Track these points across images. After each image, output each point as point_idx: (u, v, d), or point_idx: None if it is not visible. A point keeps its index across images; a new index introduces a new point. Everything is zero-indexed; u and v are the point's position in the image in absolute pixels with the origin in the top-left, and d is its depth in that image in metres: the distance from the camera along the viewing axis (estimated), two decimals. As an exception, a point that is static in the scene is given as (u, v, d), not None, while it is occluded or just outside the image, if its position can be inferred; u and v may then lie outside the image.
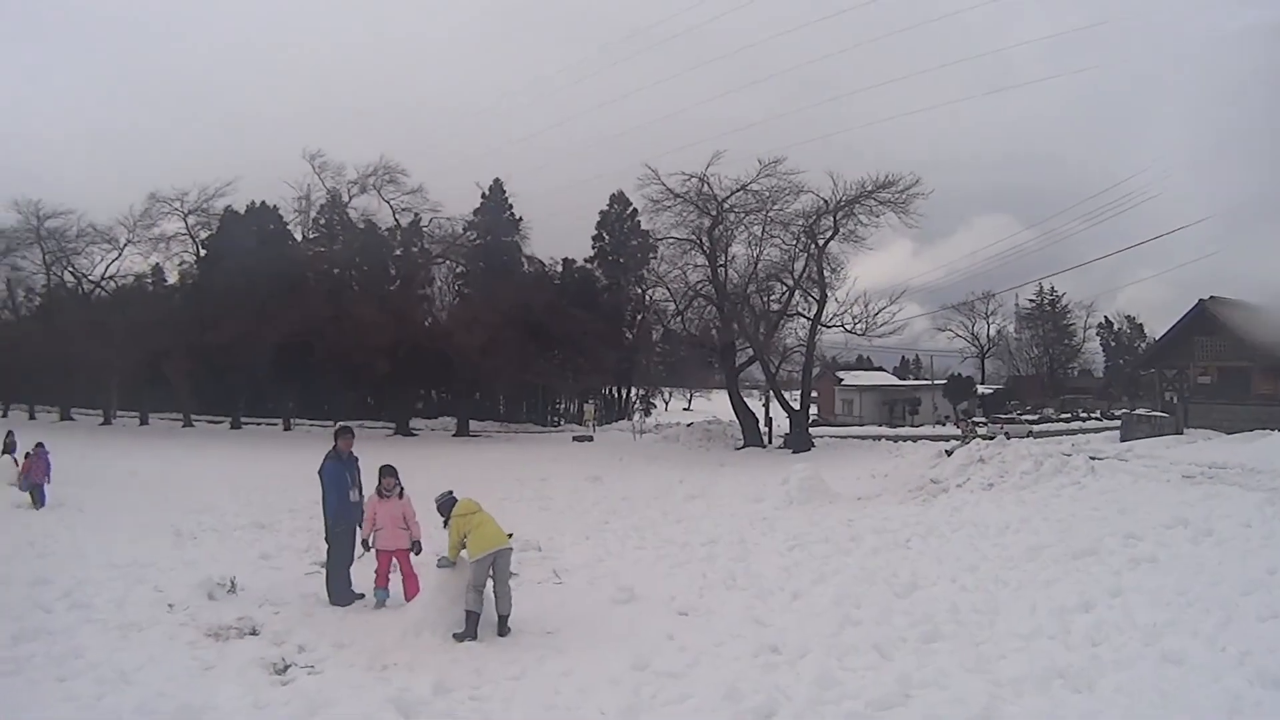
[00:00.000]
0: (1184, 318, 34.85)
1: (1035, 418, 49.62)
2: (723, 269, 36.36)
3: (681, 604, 9.33)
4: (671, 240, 36.97)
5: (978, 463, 17.79)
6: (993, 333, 70.22)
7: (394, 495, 9.29)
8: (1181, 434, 30.03)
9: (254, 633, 7.97)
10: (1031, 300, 69.87)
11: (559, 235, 79.72)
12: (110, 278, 47.95)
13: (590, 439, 39.78)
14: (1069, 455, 18.49)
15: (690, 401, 70.38)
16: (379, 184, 43.90)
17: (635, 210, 43.74)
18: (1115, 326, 73.34)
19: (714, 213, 35.16)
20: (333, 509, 9.49)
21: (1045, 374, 69.61)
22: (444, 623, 7.91)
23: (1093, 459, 18.23)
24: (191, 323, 41.77)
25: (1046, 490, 15.77)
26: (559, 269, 51.95)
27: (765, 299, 36.62)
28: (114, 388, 46.28)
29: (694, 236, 36.05)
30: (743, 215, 35.36)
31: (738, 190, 34.76)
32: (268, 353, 40.69)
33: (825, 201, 33.99)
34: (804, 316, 36.25)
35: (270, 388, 46.41)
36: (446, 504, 8.40)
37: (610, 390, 57.83)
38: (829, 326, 34.90)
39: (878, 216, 34.23)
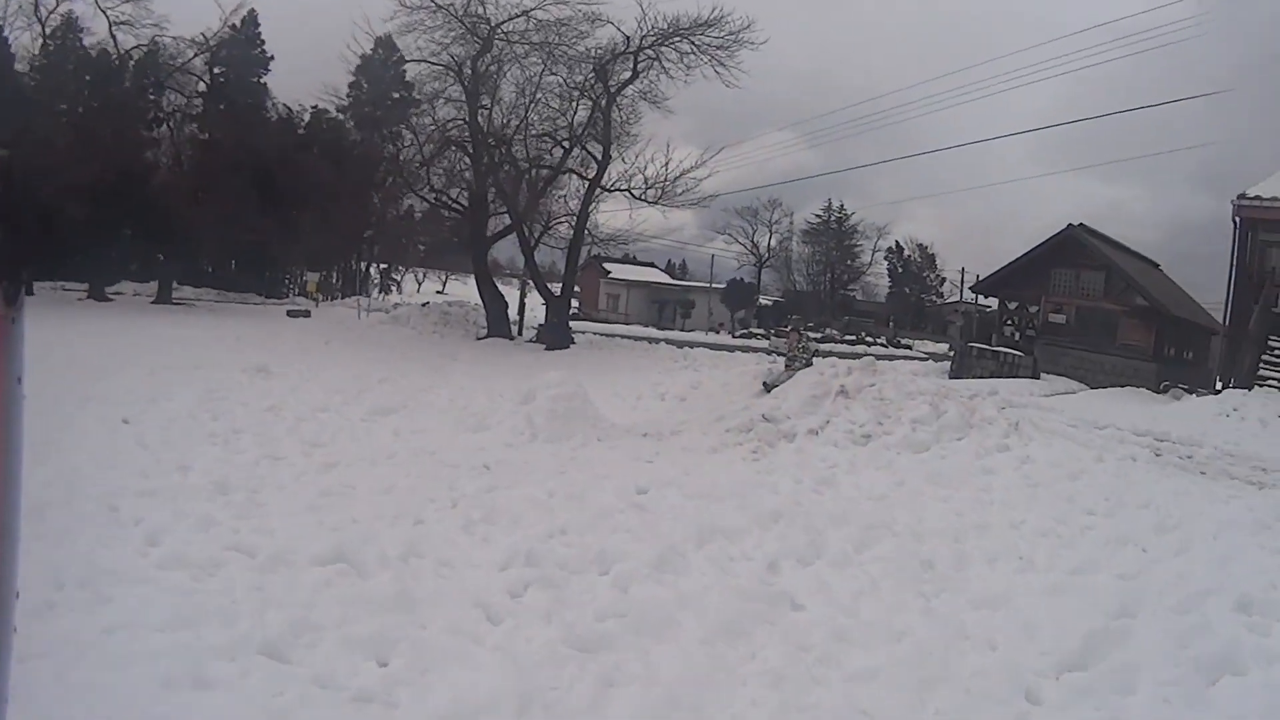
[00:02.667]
0: (1045, 243, 31.32)
1: (818, 336, 45.78)
2: (485, 110, 28.15)
3: None
4: (425, 67, 28.17)
5: (838, 395, 11.25)
6: (774, 244, 67.92)
7: None
8: (1039, 379, 26.77)
9: None
10: (818, 215, 69.05)
11: (315, 83, 66.94)
12: None
13: (307, 315, 31.85)
14: (973, 397, 13.25)
15: (445, 284, 63.16)
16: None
17: (402, 58, 34.14)
18: (906, 253, 72.52)
19: (483, 37, 26.51)
20: None
21: (825, 292, 68.25)
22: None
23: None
24: None
25: (963, 458, 9.77)
26: (305, 118, 42.78)
27: (533, 155, 28.79)
28: None
29: (453, 64, 27.25)
30: (520, 45, 26.89)
31: (518, 15, 26.25)
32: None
33: (627, 39, 26.46)
34: (581, 176, 28.83)
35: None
36: None
37: (351, 263, 49.43)
38: (611, 190, 27.99)
39: (689, 69, 26.70)
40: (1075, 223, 30.53)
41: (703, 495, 7.99)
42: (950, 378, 26.05)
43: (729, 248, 65.38)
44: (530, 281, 31.89)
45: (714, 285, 61.48)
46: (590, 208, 28.11)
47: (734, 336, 50.26)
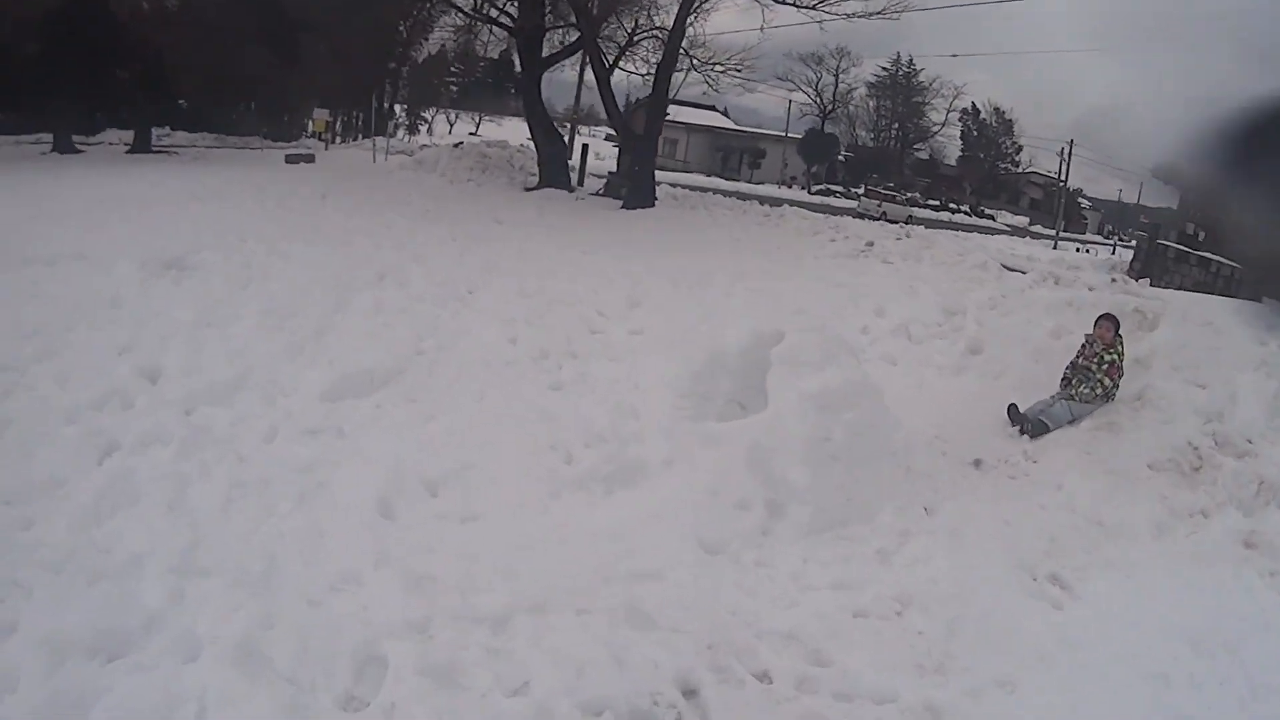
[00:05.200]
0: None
1: (903, 199, 41.76)
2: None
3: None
4: None
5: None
6: (839, 94, 60.40)
7: None
8: (1258, 301, 19.22)
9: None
10: (885, 68, 62.03)
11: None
12: None
13: (310, 159, 25.15)
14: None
15: (479, 126, 55.78)
16: None
17: None
18: (981, 115, 65.60)
19: None
20: None
21: (896, 150, 62.93)
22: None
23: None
24: None
25: None
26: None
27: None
28: None
29: None
30: None
31: None
32: None
33: None
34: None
35: None
36: None
37: (373, 101, 42.45)
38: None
39: None
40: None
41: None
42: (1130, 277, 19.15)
43: (790, 96, 56.72)
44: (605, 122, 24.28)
45: (789, 135, 54.26)
46: (693, 10, 19.73)
47: (810, 193, 45.74)
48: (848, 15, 19.39)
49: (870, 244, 13.85)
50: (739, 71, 22.16)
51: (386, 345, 7.41)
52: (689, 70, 21.65)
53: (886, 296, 10.41)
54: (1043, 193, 69.39)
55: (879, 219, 30.46)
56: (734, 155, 52.67)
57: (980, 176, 64.96)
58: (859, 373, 6.01)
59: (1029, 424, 6.90)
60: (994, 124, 66.62)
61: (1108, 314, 7.40)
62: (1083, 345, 7.40)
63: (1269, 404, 6.57)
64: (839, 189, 49.86)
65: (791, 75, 55.76)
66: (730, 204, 20.31)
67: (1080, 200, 61.06)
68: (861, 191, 44.98)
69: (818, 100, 59.09)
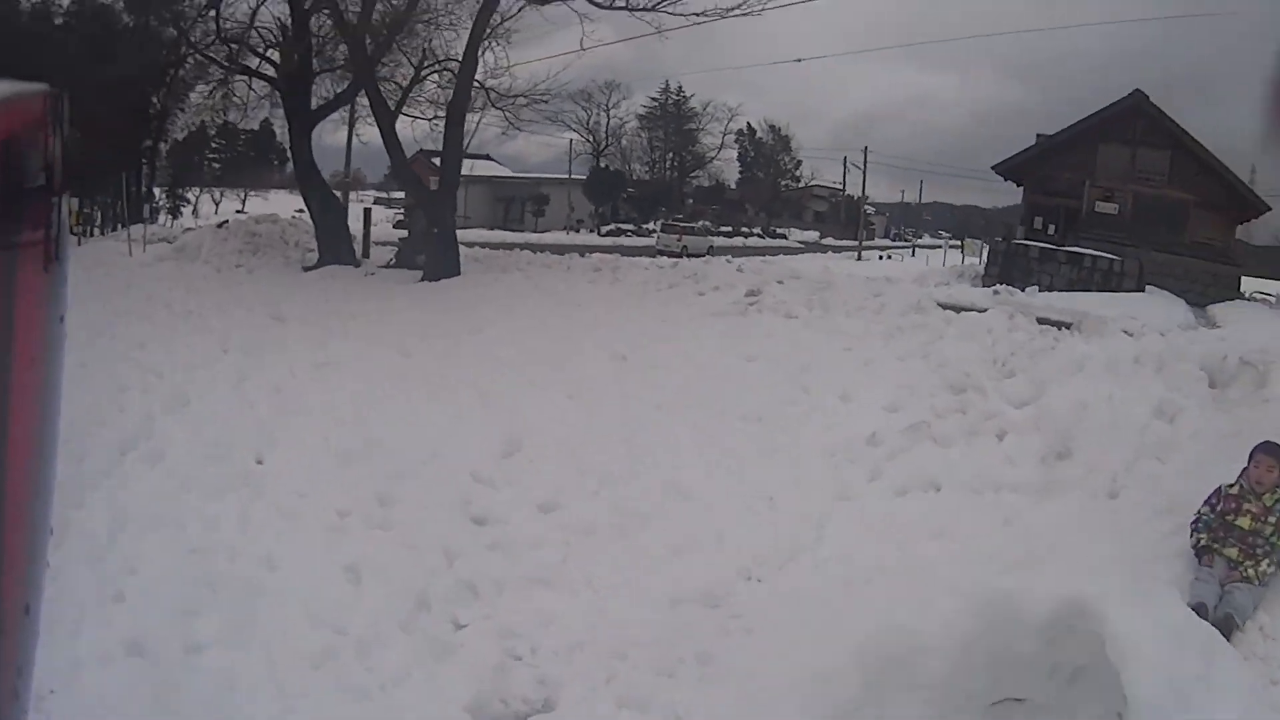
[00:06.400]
0: (1095, 114, 25.50)
1: (694, 227, 43.65)
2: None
3: None
4: None
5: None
6: (613, 126, 60.55)
7: None
8: (1142, 290, 20.13)
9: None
10: (654, 99, 62.49)
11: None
12: None
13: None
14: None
15: (245, 202, 51.96)
16: None
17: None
18: (758, 135, 66.88)
19: None
20: None
21: (674, 180, 63.23)
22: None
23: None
24: None
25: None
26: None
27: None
28: None
29: None
30: None
31: None
32: None
33: None
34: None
35: None
36: None
37: (129, 184, 38.21)
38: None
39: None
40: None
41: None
42: (988, 285, 18.97)
43: (558, 137, 55.60)
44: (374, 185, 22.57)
45: (573, 176, 53.80)
46: (486, 37, 17.45)
47: (600, 234, 45.61)
48: (698, 14, 17.50)
49: (754, 293, 11.32)
50: (545, 102, 20.32)
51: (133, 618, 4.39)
52: (486, 108, 19.49)
53: (833, 371, 8.24)
54: (827, 205, 71.78)
55: (679, 254, 29.97)
56: (515, 204, 51.10)
57: (765, 196, 65.74)
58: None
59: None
60: (770, 141, 67.84)
61: (1268, 445, 4.97)
62: (1229, 492, 4.95)
63: None
64: (630, 227, 49.51)
65: (562, 116, 55.38)
66: (546, 260, 18.10)
67: (866, 207, 62.90)
68: (657, 228, 44.66)
69: (590, 139, 58.43)
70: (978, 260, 38.06)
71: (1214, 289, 21.85)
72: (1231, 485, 4.95)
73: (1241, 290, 24.02)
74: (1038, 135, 29.83)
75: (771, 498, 6.34)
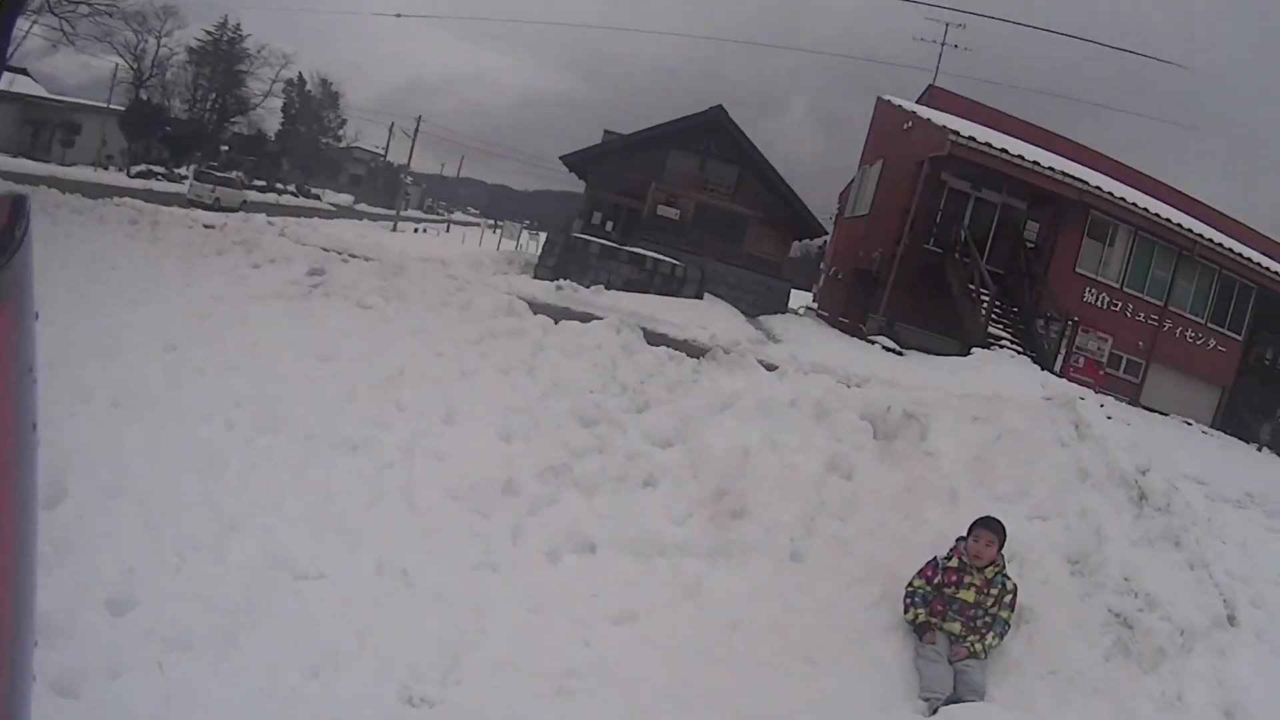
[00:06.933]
0: (676, 120, 25.38)
1: (230, 178, 39.51)
2: None
3: None
4: None
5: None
6: (161, 56, 53.98)
7: None
8: (701, 298, 21.03)
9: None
10: (209, 32, 57.78)
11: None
12: None
13: None
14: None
15: None
16: None
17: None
18: (308, 87, 65.98)
19: None
20: None
21: (213, 124, 59.44)
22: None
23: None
24: None
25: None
26: None
27: None
28: None
29: None
30: None
31: None
32: None
33: None
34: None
35: None
36: None
37: None
38: None
39: None
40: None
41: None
42: (541, 279, 18.97)
43: (102, 59, 48.74)
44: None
45: (112, 106, 48.35)
46: None
47: (130, 175, 41.23)
48: None
49: (318, 272, 8.76)
50: (110, 15, 17.75)
51: None
52: (43, 10, 16.18)
53: (427, 383, 6.42)
54: (366, 169, 72.52)
55: (212, 206, 29.60)
56: (46, 129, 44.71)
57: (305, 153, 64.76)
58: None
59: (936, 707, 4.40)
60: (319, 95, 66.87)
61: (988, 520, 4.91)
62: (947, 565, 4.87)
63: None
64: (161, 170, 44.61)
65: (111, 36, 47.08)
66: (77, 204, 13.53)
67: (404, 176, 62.60)
68: (189, 174, 41.25)
69: (134, 67, 51.52)
70: (515, 244, 37.60)
71: (765, 300, 23.21)
72: (948, 558, 4.86)
73: (789, 304, 25.25)
74: (605, 131, 30.40)
75: (405, 570, 4.62)
